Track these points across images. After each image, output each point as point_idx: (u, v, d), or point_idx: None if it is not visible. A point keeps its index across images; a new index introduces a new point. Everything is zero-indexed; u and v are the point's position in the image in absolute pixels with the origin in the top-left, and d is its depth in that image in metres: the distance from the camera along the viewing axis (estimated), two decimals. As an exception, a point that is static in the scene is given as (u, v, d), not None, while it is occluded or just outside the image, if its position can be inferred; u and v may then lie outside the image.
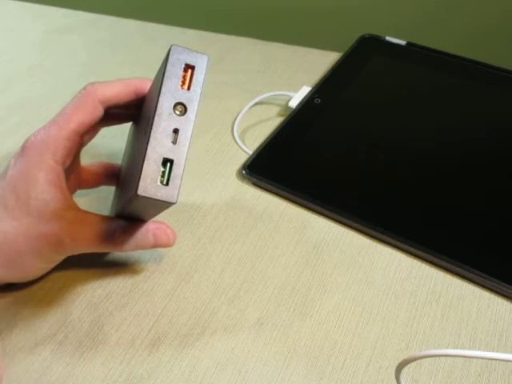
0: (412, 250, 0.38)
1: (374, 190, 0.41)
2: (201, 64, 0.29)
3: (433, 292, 0.36)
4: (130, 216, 0.33)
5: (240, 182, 0.44)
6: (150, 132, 0.27)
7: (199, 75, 0.29)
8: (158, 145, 0.28)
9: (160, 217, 0.34)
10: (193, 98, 0.28)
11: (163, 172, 0.28)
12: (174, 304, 0.36)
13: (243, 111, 0.49)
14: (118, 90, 0.34)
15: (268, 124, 0.48)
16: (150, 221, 0.34)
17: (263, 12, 0.97)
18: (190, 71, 0.29)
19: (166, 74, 0.28)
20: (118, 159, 0.40)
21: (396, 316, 0.35)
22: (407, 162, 0.43)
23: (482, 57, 0.51)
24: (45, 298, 0.36)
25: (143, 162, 0.27)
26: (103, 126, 0.37)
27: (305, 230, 0.40)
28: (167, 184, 0.28)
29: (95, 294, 0.36)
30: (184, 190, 0.42)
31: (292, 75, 0.54)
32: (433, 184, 0.41)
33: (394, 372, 0.25)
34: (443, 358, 0.32)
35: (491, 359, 0.22)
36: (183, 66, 0.28)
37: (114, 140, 0.46)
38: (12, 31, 0.62)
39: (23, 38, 0.60)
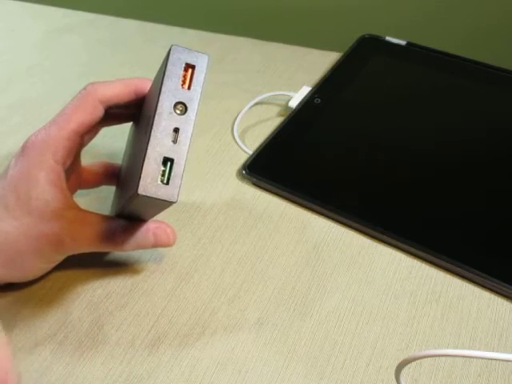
0: (412, 250, 0.38)
1: (373, 190, 0.41)
2: (201, 63, 0.29)
3: (433, 292, 0.36)
4: (130, 215, 0.33)
5: (240, 182, 0.44)
6: (151, 131, 0.27)
7: (199, 75, 0.29)
8: (159, 144, 0.28)
9: (160, 216, 0.34)
10: (193, 98, 0.28)
11: (163, 171, 0.28)
12: (174, 304, 0.36)
13: (243, 111, 0.49)
14: (118, 89, 0.34)
15: (268, 124, 0.48)
16: (150, 220, 0.34)
17: (263, 12, 0.97)
18: (190, 71, 0.29)
19: (166, 74, 0.28)
20: (118, 159, 0.40)
21: (396, 316, 0.35)
22: (407, 162, 0.43)
23: (482, 57, 0.51)
24: (45, 298, 0.36)
25: (143, 161, 0.27)
26: (103, 125, 0.37)
27: (305, 230, 0.40)
28: (167, 183, 0.28)
29: (95, 294, 0.36)
30: (184, 189, 0.42)
31: (292, 75, 0.54)
32: (433, 184, 0.41)
33: (393, 372, 0.25)
34: (443, 358, 0.32)
35: (491, 359, 0.22)
36: (183, 65, 0.28)
37: (114, 140, 0.46)
38: (12, 31, 0.62)
39: (23, 37, 0.60)
